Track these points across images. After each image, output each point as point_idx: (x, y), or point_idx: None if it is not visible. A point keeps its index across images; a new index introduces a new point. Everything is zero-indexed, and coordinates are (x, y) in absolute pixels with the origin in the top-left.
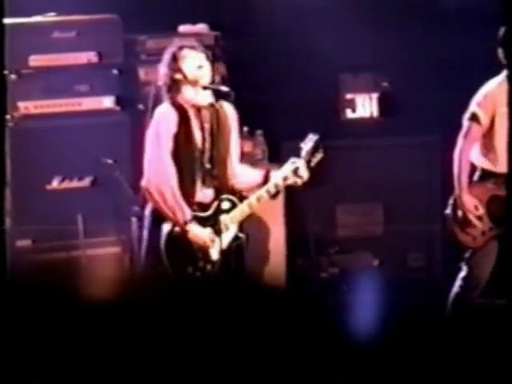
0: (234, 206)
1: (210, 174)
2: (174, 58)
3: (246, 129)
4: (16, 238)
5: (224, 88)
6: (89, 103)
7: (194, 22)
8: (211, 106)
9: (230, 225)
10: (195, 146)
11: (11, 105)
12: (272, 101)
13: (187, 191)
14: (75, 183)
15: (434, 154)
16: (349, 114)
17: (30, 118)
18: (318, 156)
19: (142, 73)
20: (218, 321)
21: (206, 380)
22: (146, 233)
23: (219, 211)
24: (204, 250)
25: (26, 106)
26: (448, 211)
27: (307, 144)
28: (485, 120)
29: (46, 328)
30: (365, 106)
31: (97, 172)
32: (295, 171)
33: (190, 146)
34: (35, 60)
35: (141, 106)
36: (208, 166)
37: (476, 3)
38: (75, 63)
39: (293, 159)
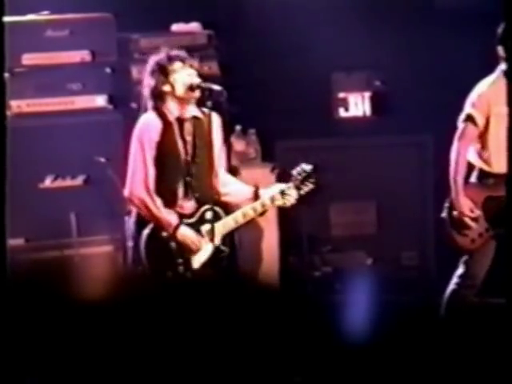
0: (217, 217)
1: (190, 187)
2: (164, 70)
3: (238, 128)
4: (8, 237)
5: (216, 87)
6: (81, 102)
7: (186, 20)
8: (194, 118)
9: (215, 236)
10: (178, 157)
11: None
12: (265, 100)
13: (168, 201)
14: (68, 182)
15: (426, 153)
16: (341, 112)
17: (22, 116)
18: (310, 186)
19: (134, 71)
20: (212, 320)
21: (200, 378)
22: (131, 243)
23: (203, 220)
24: (186, 256)
25: (19, 105)
26: (444, 214)
27: (300, 173)
28: (480, 121)
29: (38, 327)
30: (357, 105)
31: (90, 171)
32: (283, 193)
33: (172, 156)
34: (28, 58)
35: (133, 105)
36: (188, 178)
37: (469, 2)
38: (68, 62)
39: (283, 184)
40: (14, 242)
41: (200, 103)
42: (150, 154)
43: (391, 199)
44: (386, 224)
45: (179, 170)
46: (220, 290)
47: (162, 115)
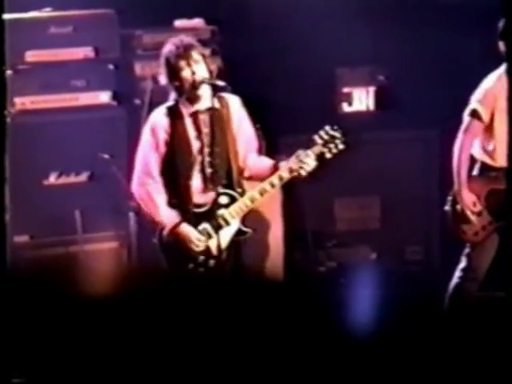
0: (233, 200)
1: (211, 178)
2: (171, 67)
3: None
4: (13, 234)
5: (220, 82)
6: (85, 98)
7: (190, 16)
8: (211, 109)
9: (231, 219)
10: (191, 152)
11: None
12: (269, 95)
13: (182, 197)
14: (72, 178)
15: (430, 148)
16: (345, 107)
17: (26, 113)
18: (339, 146)
19: (138, 68)
20: (217, 315)
21: (206, 372)
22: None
23: (217, 206)
24: (195, 249)
25: (23, 102)
26: (447, 207)
27: (322, 137)
28: (485, 116)
29: (43, 324)
30: (361, 100)
31: (94, 167)
32: (300, 161)
33: (185, 152)
34: (32, 55)
35: (137, 101)
36: (209, 170)
37: None
38: (72, 58)
39: (302, 152)
40: (18, 238)
41: (215, 92)
42: (155, 154)
43: (395, 194)
44: (390, 219)
45: (194, 164)
46: (225, 286)
47: (173, 110)
